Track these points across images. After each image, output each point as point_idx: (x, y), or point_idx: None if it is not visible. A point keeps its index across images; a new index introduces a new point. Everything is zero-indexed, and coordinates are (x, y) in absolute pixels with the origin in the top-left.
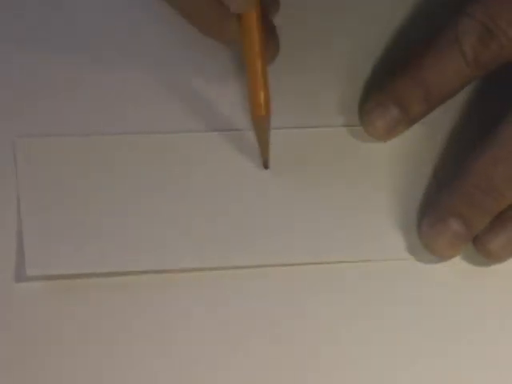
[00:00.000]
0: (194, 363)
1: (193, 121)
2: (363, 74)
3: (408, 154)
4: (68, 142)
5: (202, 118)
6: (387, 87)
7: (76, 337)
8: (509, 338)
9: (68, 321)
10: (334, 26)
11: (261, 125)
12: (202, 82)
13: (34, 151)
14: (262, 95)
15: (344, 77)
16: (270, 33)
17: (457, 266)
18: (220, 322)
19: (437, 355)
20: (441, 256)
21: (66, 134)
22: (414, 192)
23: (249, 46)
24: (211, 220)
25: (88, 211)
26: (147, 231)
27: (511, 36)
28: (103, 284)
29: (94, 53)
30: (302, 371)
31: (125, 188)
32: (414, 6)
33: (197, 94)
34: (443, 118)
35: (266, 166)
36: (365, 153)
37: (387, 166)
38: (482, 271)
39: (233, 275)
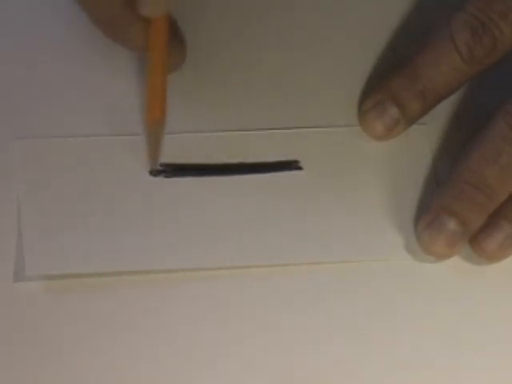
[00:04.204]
0: (194, 363)
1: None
2: (363, 74)
3: (407, 154)
4: (67, 143)
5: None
6: (384, 86)
7: (75, 336)
8: (509, 338)
9: (67, 321)
10: (334, 25)
11: (154, 130)
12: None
13: (33, 152)
14: (159, 100)
15: (344, 77)
16: (176, 40)
17: (457, 266)
18: (220, 322)
19: (437, 355)
20: (439, 256)
21: (66, 135)
22: (413, 192)
23: (153, 51)
24: (212, 220)
25: (87, 211)
26: (147, 231)
27: (504, 28)
28: (102, 284)
29: (94, 53)
30: (302, 371)
31: (124, 188)
32: (413, 6)
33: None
34: (442, 118)
35: (153, 171)
36: (364, 153)
37: (386, 165)
38: (481, 271)
39: (232, 275)
